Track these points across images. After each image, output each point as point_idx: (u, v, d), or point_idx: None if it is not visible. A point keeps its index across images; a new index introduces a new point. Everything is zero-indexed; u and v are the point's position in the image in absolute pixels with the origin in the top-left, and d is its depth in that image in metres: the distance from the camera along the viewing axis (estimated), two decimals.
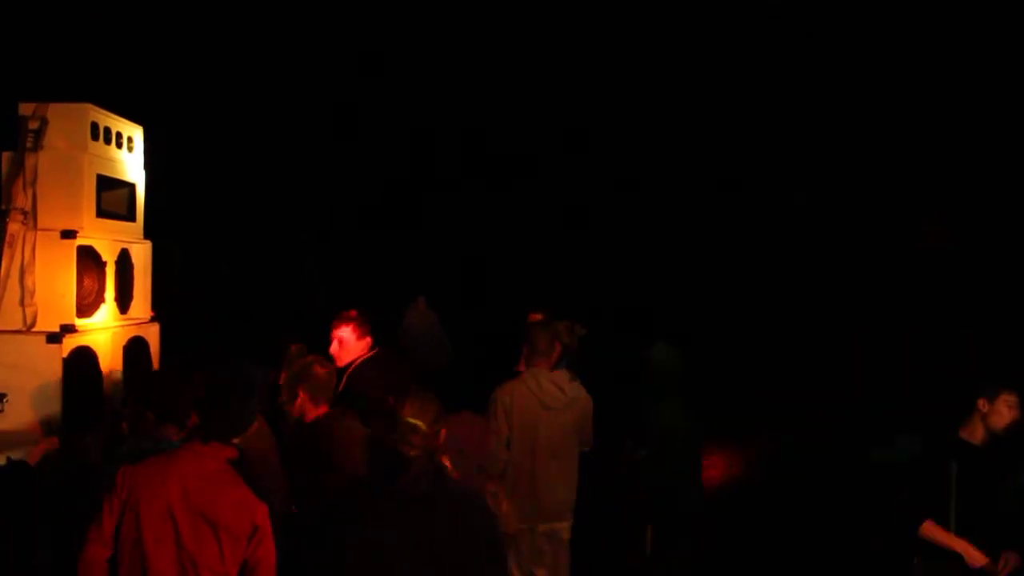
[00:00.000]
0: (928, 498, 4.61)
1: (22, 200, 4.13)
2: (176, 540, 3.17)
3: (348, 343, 5.44)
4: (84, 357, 4.18)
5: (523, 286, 10.94)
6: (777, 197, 11.17)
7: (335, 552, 3.00)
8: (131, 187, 4.71)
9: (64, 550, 3.92)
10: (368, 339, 5.50)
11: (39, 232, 4.13)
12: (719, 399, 7.25)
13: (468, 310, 11.19)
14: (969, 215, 9.56)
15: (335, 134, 11.86)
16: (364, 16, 10.71)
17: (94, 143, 4.33)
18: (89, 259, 4.26)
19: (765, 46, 10.24)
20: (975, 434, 4.61)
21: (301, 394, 4.29)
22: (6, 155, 4.23)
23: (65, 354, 4.05)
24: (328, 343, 5.41)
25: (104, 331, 4.36)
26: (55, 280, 4.12)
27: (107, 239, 4.40)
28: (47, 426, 3.98)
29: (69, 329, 4.09)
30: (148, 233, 4.90)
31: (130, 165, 4.68)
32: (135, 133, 4.75)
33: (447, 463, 3.20)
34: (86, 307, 4.25)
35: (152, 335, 4.78)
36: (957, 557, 4.50)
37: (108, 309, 4.41)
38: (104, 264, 4.36)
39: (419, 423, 3.02)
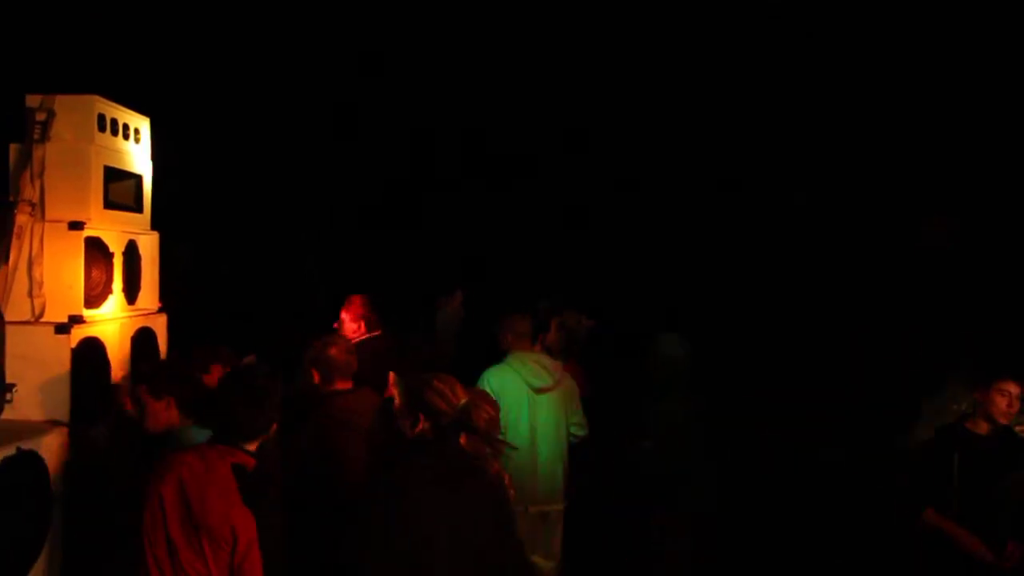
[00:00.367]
0: (930, 487, 4.65)
1: (30, 192, 4.15)
2: (167, 537, 3.19)
3: (344, 323, 6.32)
4: (92, 348, 4.19)
5: (523, 286, 10.95)
6: (777, 197, 11.17)
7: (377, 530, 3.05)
8: (138, 178, 4.73)
9: (73, 540, 3.93)
10: (362, 323, 6.00)
11: (47, 223, 4.15)
12: (718, 397, 7.26)
13: (468, 310, 11.18)
14: (969, 215, 9.58)
15: (335, 134, 11.85)
16: (364, 16, 10.71)
17: (101, 134, 4.35)
18: (97, 250, 4.28)
19: (765, 46, 10.25)
20: (979, 425, 4.66)
21: (318, 375, 4.40)
22: (13, 147, 4.24)
23: (73, 345, 4.06)
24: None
25: (112, 322, 4.37)
26: (63, 271, 4.13)
27: (114, 230, 4.42)
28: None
29: (77, 320, 4.11)
30: (154, 225, 4.92)
31: (137, 156, 4.69)
32: (142, 124, 4.77)
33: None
34: (94, 298, 4.26)
35: (160, 326, 4.80)
36: (958, 546, 4.53)
37: (116, 300, 4.42)
38: (112, 255, 4.38)
39: (447, 389, 3.25)
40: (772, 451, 8.71)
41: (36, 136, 4.15)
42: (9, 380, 3.96)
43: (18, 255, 4.07)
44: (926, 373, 8.87)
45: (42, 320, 4.07)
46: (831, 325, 10.26)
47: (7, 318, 4.01)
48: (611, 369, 8.00)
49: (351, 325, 6.31)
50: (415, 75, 11.55)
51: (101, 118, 4.32)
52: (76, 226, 4.12)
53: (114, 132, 4.44)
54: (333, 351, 4.44)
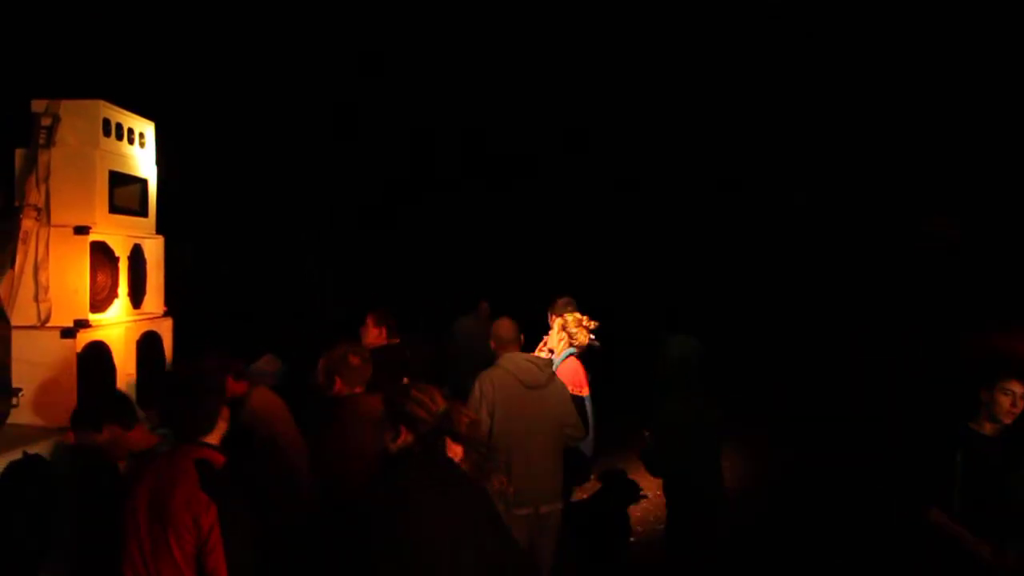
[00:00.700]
0: (933, 485, 4.65)
1: (35, 196, 4.14)
2: (137, 539, 3.19)
3: (366, 329, 6.33)
4: (98, 352, 4.18)
5: (523, 286, 10.96)
6: (777, 197, 11.19)
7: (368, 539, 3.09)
8: (143, 182, 4.71)
9: (77, 542, 3.93)
10: (383, 329, 6.21)
11: (52, 228, 4.13)
12: (722, 396, 7.27)
13: (467, 309, 11.19)
14: (969, 215, 9.60)
15: (335, 134, 11.86)
16: (364, 16, 10.71)
17: (106, 139, 4.33)
18: (102, 254, 4.27)
19: (765, 46, 10.26)
20: (983, 424, 4.65)
21: (338, 381, 4.42)
22: (19, 152, 4.23)
23: (79, 349, 4.05)
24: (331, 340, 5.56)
25: (117, 326, 4.36)
26: (69, 275, 4.12)
27: (120, 234, 4.41)
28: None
29: (83, 324, 4.10)
30: (159, 229, 4.92)
31: (142, 161, 4.68)
32: (147, 129, 4.76)
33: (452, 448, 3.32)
34: (99, 302, 4.25)
35: (165, 329, 4.79)
36: (961, 545, 4.53)
37: (121, 304, 4.42)
38: (117, 259, 4.37)
39: (425, 398, 3.28)
40: (772, 450, 8.74)
41: (42, 141, 4.14)
42: (15, 384, 3.96)
43: (24, 260, 4.07)
44: (925, 372, 8.93)
45: (48, 324, 4.06)
46: (831, 324, 10.28)
47: (13, 323, 4.00)
48: (611, 368, 8.04)
49: (372, 331, 6.38)
50: (415, 75, 11.56)
51: (106, 123, 4.31)
52: (81, 231, 4.11)
53: (119, 136, 4.42)
54: (353, 359, 4.49)
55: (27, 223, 4.08)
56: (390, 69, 11.57)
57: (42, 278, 4.08)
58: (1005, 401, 4.52)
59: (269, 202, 11.45)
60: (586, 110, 11.64)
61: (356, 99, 11.68)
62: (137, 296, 4.57)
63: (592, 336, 6.34)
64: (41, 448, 3.83)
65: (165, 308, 4.86)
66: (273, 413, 4.94)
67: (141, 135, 4.68)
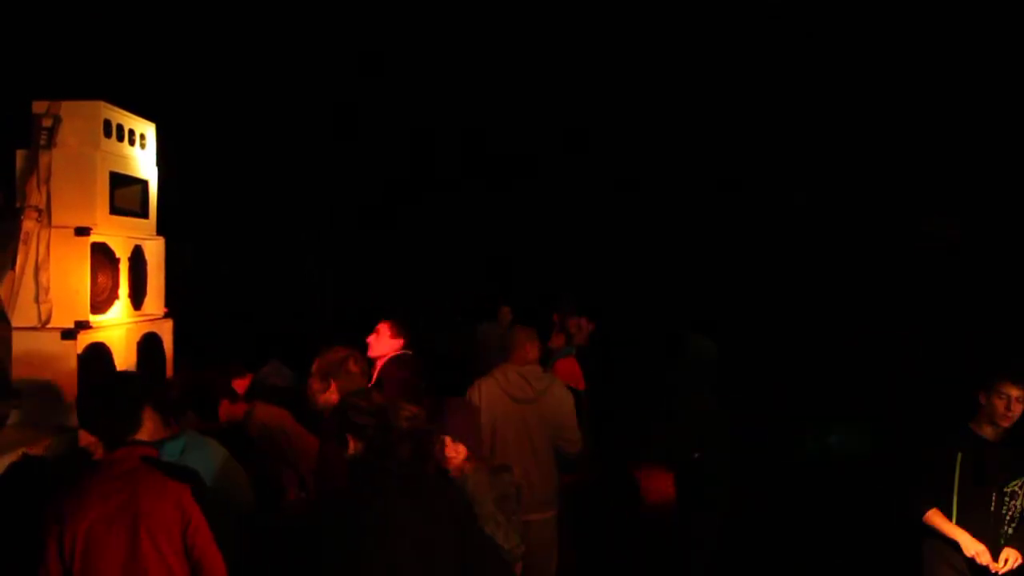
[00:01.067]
0: (932, 487, 4.66)
1: (36, 198, 4.15)
2: (115, 557, 3.12)
3: (383, 337, 6.09)
4: (98, 353, 4.19)
5: (523, 285, 10.97)
6: (777, 197, 11.19)
7: (329, 539, 3.10)
8: (144, 184, 4.73)
9: None
10: (401, 340, 6.09)
11: (53, 229, 4.15)
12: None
13: (466, 309, 11.20)
14: (969, 215, 9.60)
15: (335, 134, 11.85)
16: (364, 16, 10.71)
17: (107, 140, 4.35)
18: (103, 256, 4.28)
19: (765, 46, 10.25)
20: (983, 427, 4.66)
21: (333, 385, 4.37)
22: (20, 153, 4.24)
23: (79, 350, 4.07)
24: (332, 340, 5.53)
25: (118, 327, 4.38)
26: (69, 277, 4.14)
27: (120, 236, 4.42)
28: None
29: (83, 325, 4.11)
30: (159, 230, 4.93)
31: (143, 162, 4.70)
32: (147, 130, 4.77)
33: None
34: (100, 303, 4.27)
35: (166, 331, 4.81)
36: (960, 548, 4.54)
37: (122, 305, 4.43)
38: (118, 260, 4.39)
39: (409, 407, 3.33)
40: (773, 449, 8.75)
41: (42, 142, 4.15)
42: (16, 385, 3.97)
43: (25, 261, 4.08)
44: (926, 372, 8.94)
45: (48, 326, 4.08)
46: (831, 324, 10.28)
47: (14, 324, 4.02)
48: (610, 367, 8.05)
49: (390, 341, 6.15)
50: (415, 75, 11.55)
51: (107, 124, 4.32)
52: (82, 232, 4.13)
53: (120, 138, 4.44)
54: (353, 366, 4.44)
55: (28, 224, 4.10)
56: (390, 69, 11.55)
57: (43, 279, 4.10)
58: (1000, 404, 4.55)
59: (269, 202, 11.45)
60: (586, 110, 11.63)
61: (356, 99, 11.67)
62: (138, 297, 4.58)
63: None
64: (41, 449, 3.84)
65: (166, 309, 4.87)
66: (282, 424, 4.96)
67: (142, 136, 4.69)
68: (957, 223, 9.59)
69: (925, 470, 4.77)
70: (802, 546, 6.76)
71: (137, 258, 4.56)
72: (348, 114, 11.81)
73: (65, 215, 4.16)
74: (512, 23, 10.66)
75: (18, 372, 3.96)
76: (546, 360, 6.26)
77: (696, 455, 5.54)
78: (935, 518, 4.63)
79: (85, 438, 3.92)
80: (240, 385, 5.33)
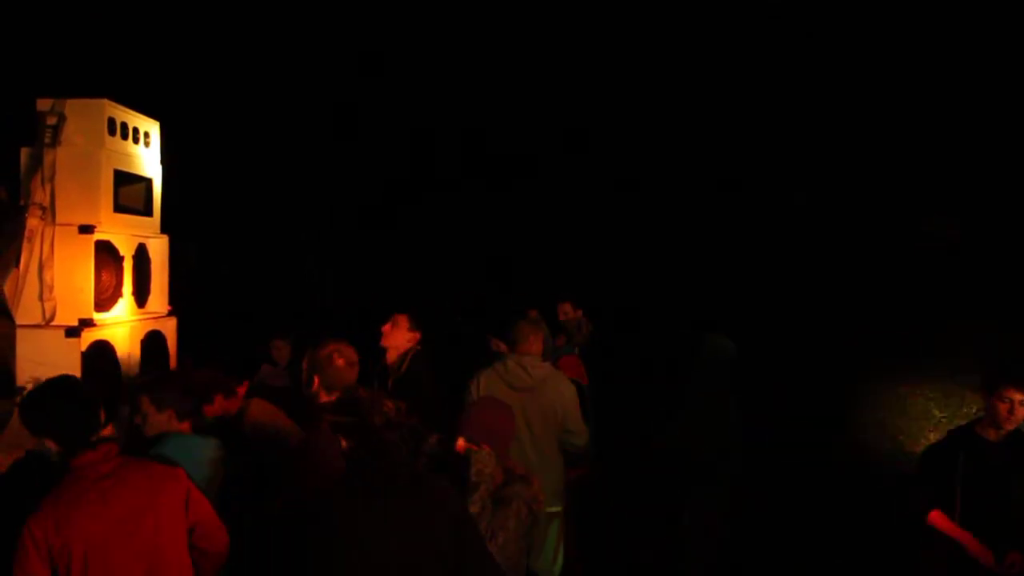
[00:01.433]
0: (935, 488, 4.66)
1: (40, 195, 4.16)
2: (130, 556, 3.13)
3: (401, 328, 5.91)
4: (102, 351, 4.20)
5: (522, 285, 10.97)
6: (777, 197, 11.19)
7: (309, 541, 3.10)
8: (148, 182, 4.73)
9: None
10: (417, 334, 5.95)
11: (57, 227, 4.16)
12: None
13: (467, 309, 11.21)
14: (969, 215, 9.61)
15: (335, 134, 11.86)
16: (364, 16, 10.71)
17: (111, 138, 4.35)
18: (107, 254, 4.29)
19: (765, 46, 10.26)
20: (987, 429, 4.66)
21: (316, 380, 4.33)
22: (24, 151, 4.25)
23: (83, 348, 4.07)
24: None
25: (122, 325, 4.38)
26: (73, 275, 4.14)
27: (124, 234, 4.43)
28: None
29: (87, 323, 4.12)
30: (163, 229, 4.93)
31: (147, 160, 4.70)
32: (152, 128, 4.77)
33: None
34: (104, 301, 4.27)
35: (169, 329, 4.81)
36: (962, 549, 4.54)
37: (126, 303, 4.43)
38: (122, 259, 4.39)
39: (390, 403, 3.29)
40: (772, 450, 8.75)
41: (47, 140, 4.16)
42: (19, 383, 3.97)
43: (29, 259, 4.09)
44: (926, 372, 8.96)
45: (53, 323, 4.08)
46: (831, 324, 10.29)
47: (18, 321, 4.02)
48: (610, 366, 8.06)
49: (408, 334, 5.97)
50: (415, 75, 11.55)
51: (111, 122, 4.33)
52: (86, 230, 4.13)
53: (124, 136, 4.44)
54: (338, 360, 4.38)
55: (32, 222, 4.10)
56: (390, 69, 11.56)
57: (47, 277, 4.10)
58: (1003, 408, 4.55)
59: (269, 202, 11.45)
60: (586, 110, 11.63)
61: (356, 99, 11.68)
62: (141, 295, 4.59)
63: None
64: (44, 447, 3.83)
65: (169, 307, 4.87)
66: (275, 421, 4.95)
67: (146, 134, 4.69)
68: (957, 223, 9.60)
69: (927, 471, 4.77)
70: (802, 546, 6.77)
71: (141, 256, 4.57)
72: (348, 114, 11.81)
73: (69, 213, 4.16)
74: (512, 23, 10.67)
75: (22, 369, 3.97)
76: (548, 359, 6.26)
77: (681, 442, 5.56)
78: (938, 519, 4.63)
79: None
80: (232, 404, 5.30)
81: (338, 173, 11.96)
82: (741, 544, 6.57)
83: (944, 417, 8.28)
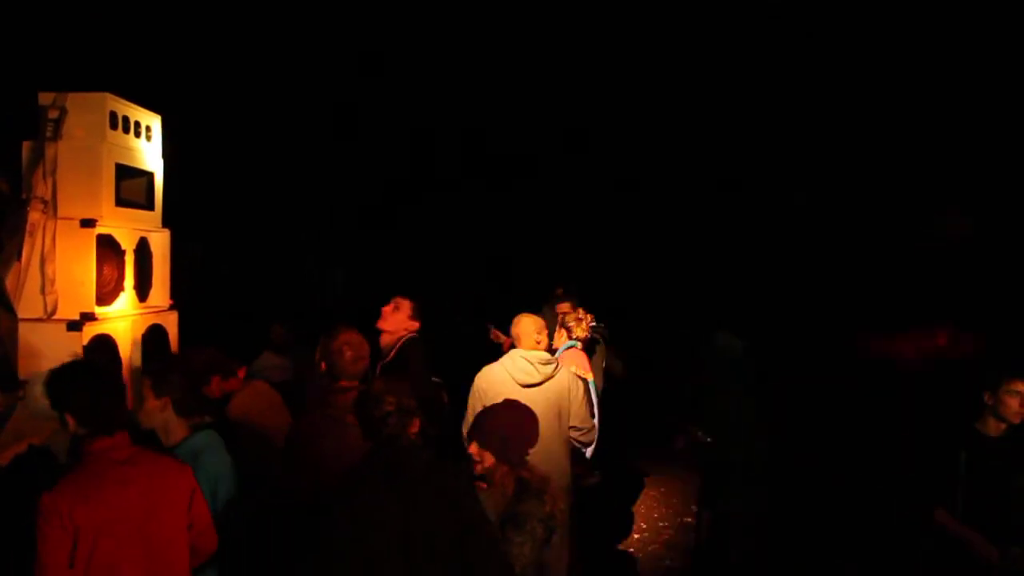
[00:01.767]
0: (937, 486, 4.64)
1: (42, 189, 4.14)
2: (141, 539, 3.15)
3: (402, 314, 5.79)
4: (104, 345, 4.17)
5: (522, 285, 10.97)
6: (777, 197, 11.21)
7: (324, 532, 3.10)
8: (149, 176, 4.71)
9: None
10: (417, 324, 5.81)
11: (59, 221, 4.13)
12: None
13: (467, 308, 11.21)
14: (970, 214, 9.62)
15: (335, 134, 11.87)
16: (364, 16, 10.72)
17: (113, 132, 4.33)
18: (108, 247, 4.26)
19: (765, 46, 10.28)
20: (987, 426, 4.64)
21: (322, 366, 4.34)
22: (26, 144, 4.23)
23: (85, 342, 4.05)
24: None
25: (123, 319, 4.36)
26: (75, 268, 4.12)
27: (126, 227, 4.41)
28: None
29: (89, 317, 4.09)
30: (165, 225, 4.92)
31: (148, 154, 4.68)
32: (153, 122, 4.76)
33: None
34: (105, 295, 4.25)
35: (171, 323, 4.79)
36: (966, 546, 4.53)
37: (127, 297, 4.41)
38: (123, 252, 4.37)
39: (391, 397, 3.31)
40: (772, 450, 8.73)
41: (49, 134, 4.14)
42: (21, 377, 3.96)
43: (31, 252, 4.06)
44: (927, 372, 8.95)
45: (54, 317, 4.06)
46: (831, 324, 10.29)
47: (20, 315, 4.00)
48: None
49: (408, 320, 5.84)
50: (415, 75, 11.56)
51: (113, 116, 4.30)
52: (88, 223, 4.11)
53: (126, 130, 4.42)
54: (348, 352, 4.38)
55: (34, 215, 4.08)
56: (390, 69, 11.57)
57: (48, 271, 4.08)
58: (1013, 403, 4.51)
59: (269, 202, 11.45)
60: (586, 110, 11.65)
61: (356, 99, 11.69)
62: (143, 289, 4.56)
63: (593, 324, 6.39)
64: (47, 441, 3.83)
65: (171, 301, 4.86)
66: (261, 409, 4.93)
67: (148, 128, 4.68)
68: (969, 221, 9.61)
69: (930, 470, 4.76)
70: (804, 546, 6.75)
71: (142, 250, 4.54)
72: (348, 114, 11.82)
73: (71, 207, 4.14)
74: (512, 23, 10.68)
75: (24, 363, 3.95)
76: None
77: (708, 439, 5.55)
78: (943, 518, 4.62)
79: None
80: (230, 386, 5.27)
81: (338, 173, 11.96)
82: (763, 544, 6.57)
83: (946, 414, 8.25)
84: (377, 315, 6.05)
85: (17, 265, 4.05)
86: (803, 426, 8.98)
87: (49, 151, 4.15)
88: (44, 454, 3.83)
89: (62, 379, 3.25)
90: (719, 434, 5.57)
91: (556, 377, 5.29)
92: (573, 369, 5.73)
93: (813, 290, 10.48)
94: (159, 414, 3.76)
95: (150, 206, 4.73)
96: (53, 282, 4.09)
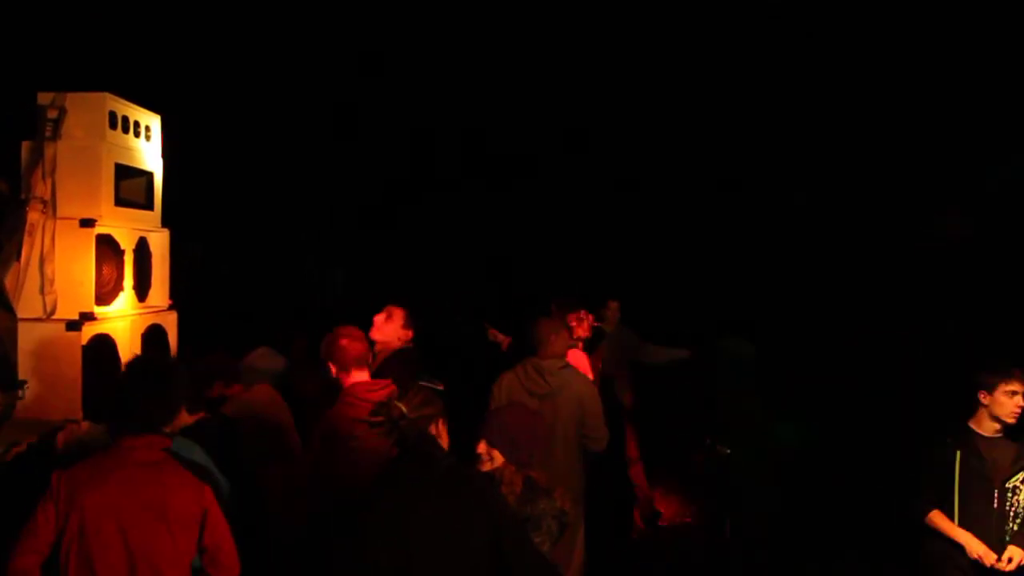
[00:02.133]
0: (933, 487, 4.65)
1: (41, 189, 4.16)
2: (123, 540, 3.14)
3: (395, 323, 5.70)
4: (103, 344, 4.19)
5: (522, 285, 10.97)
6: (777, 197, 11.20)
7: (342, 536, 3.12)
8: (149, 176, 4.73)
9: None
10: (410, 333, 5.72)
11: (58, 221, 4.16)
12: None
13: (467, 309, 11.20)
14: (970, 214, 9.62)
15: (335, 134, 11.86)
16: (364, 16, 10.72)
17: (112, 132, 4.35)
18: (108, 247, 4.28)
19: (765, 46, 10.27)
20: (983, 425, 4.65)
21: (331, 367, 4.38)
22: (25, 144, 4.25)
23: (84, 341, 4.07)
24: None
25: (122, 319, 4.37)
26: (74, 268, 4.14)
27: (125, 227, 4.42)
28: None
29: (88, 317, 4.11)
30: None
31: (148, 154, 4.70)
32: (152, 122, 4.78)
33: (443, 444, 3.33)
34: (105, 295, 4.27)
35: (170, 323, 4.81)
36: (962, 547, 4.54)
37: (126, 297, 4.43)
38: (122, 252, 4.39)
39: (398, 403, 3.32)
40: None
41: (48, 134, 4.16)
42: (20, 376, 3.97)
43: (30, 252, 4.08)
44: (926, 372, 8.95)
45: (53, 317, 4.08)
46: (831, 324, 10.29)
47: (19, 315, 4.01)
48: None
49: (401, 331, 5.72)
50: (415, 75, 11.56)
51: (112, 116, 4.32)
52: (87, 223, 4.13)
53: (125, 130, 4.44)
54: (343, 341, 4.42)
55: (33, 215, 4.10)
56: (390, 69, 11.57)
57: (48, 270, 4.10)
58: (1009, 403, 4.53)
59: (269, 202, 11.45)
60: (586, 110, 11.64)
61: (356, 99, 11.68)
62: (142, 289, 4.58)
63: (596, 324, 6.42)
64: (46, 440, 3.84)
65: (170, 301, 4.87)
66: (264, 407, 4.95)
67: (147, 128, 4.70)
68: (970, 221, 9.60)
69: (925, 470, 4.77)
70: (803, 546, 6.75)
71: (142, 250, 4.56)
72: (348, 114, 11.82)
73: (70, 206, 4.16)
74: (512, 23, 10.68)
75: (22, 363, 3.96)
76: None
77: (727, 451, 5.56)
78: (937, 519, 4.62)
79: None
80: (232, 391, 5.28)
81: (338, 173, 11.96)
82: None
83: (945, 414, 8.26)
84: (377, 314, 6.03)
85: (16, 265, 4.07)
86: (802, 424, 8.98)
87: (48, 151, 4.17)
88: (44, 454, 3.84)
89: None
90: (735, 441, 5.58)
91: (569, 386, 5.28)
92: None
93: (813, 290, 10.47)
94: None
95: (149, 206, 4.75)
96: (52, 282, 4.11)
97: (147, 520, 3.16)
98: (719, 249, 11.47)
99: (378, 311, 6.07)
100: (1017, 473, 4.58)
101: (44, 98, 4.23)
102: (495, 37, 10.87)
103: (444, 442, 3.41)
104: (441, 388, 5.92)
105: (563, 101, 11.54)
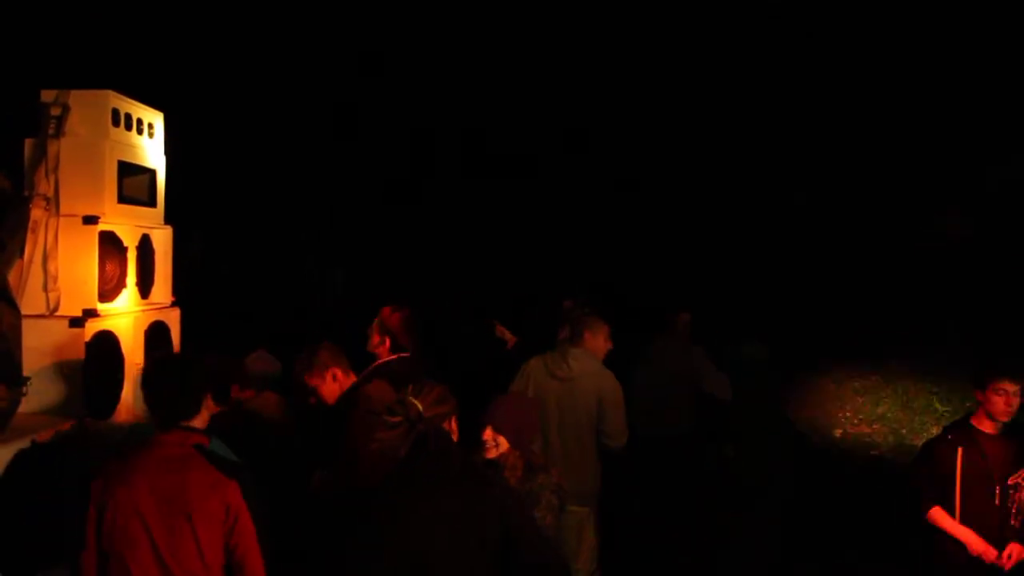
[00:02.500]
0: (934, 484, 4.66)
1: (44, 186, 4.15)
2: (149, 537, 3.16)
3: (371, 335, 5.36)
4: (106, 341, 4.18)
5: (522, 285, 10.97)
6: (777, 197, 11.22)
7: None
8: (152, 173, 4.72)
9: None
10: (388, 339, 5.26)
11: (61, 218, 4.14)
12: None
13: (467, 308, 11.20)
14: (971, 214, 9.64)
15: (335, 134, 11.87)
16: (364, 16, 10.74)
17: (115, 129, 4.34)
18: (111, 244, 4.27)
19: (765, 46, 10.29)
20: (983, 422, 4.67)
21: (338, 374, 4.41)
22: (28, 142, 4.23)
23: (87, 338, 4.05)
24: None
25: (126, 316, 4.37)
26: (77, 265, 4.13)
27: (128, 224, 4.42)
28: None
29: (91, 314, 4.10)
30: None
31: (151, 151, 4.69)
32: (156, 119, 4.77)
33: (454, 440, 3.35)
34: (108, 292, 4.26)
35: (173, 320, 4.80)
36: (963, 544, 4.55)
37: (129, 294, 4.42)
38: (125, 249, 4.38)
39: (414, 400, 3.27)
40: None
41: (51, 131, 4.15)
42: (24, 373, 3.96)
43: (33, 249, 4.07)
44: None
45: (57, 314, 4.07)
46: (831, 324, 10.30)
47: (22, 311, 4.00)
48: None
49: (374, 338, 5.24)
50: (415, 75, 11.58)
51: (115, 113, 4.31)
52: (90, 220, 4.12)
53: (128, 127, 4.43)
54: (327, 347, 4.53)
55: (36, 213, 4.09)
56: (390, 69, 11.59)
57: (51, 267, 4.09)
58: (999, 401, 4.56)
59: (269, 201, 11.46)
60: (586, 110, 11.66)
61: (356, 99, 11.70)
62: (145, 286, 4.58)
63: None
64: (49, 437, 3.83)
65: (173, 298, 4.87)
66: (272, 413, 4.97)
67: (150, 125, 4.69)
68: (970, 221, 9.62)
69: (927, 467, 4.78)
70: (807, 543, 6.76)
71: (145, 247, 4.55)
72: (348, 114, 11.83)
73: (73, 203, 4.15)
74: (512, 23, 10.70)
75: (26, 360, 3.94)
76: None
77: (732, 454, 5.59)
78: (938, 516, 4.64)
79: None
80: (246, 396, 5.30)
81: (338, 173, 11.97)
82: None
83: (947, 411, 8.29)
84: (377, 315, 5.96)
85: (20, 262, 4.06)
86: (802, 424, 9.00)
87: (51, 148, 4.16)
88: (48, 451, 3.83)
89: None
90: (749, 444, 5.60)
91: (590, 377, 5.31)
92: None
93: (813, 290, 10.48)
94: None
95: (152, 203, 4.75)
96: (55, 279, 4.10)
97: (167, 514, 3.17)
98: (719, 249, 11.48)
99: (378, 312, 6.00)
100: (1018, 470, 4.59)
101: (47, 95, 4.22)
102: (495, 37, 10.90)
103: (455, 438, 3.42)
104: None
105: (563, 101, 11.56)
